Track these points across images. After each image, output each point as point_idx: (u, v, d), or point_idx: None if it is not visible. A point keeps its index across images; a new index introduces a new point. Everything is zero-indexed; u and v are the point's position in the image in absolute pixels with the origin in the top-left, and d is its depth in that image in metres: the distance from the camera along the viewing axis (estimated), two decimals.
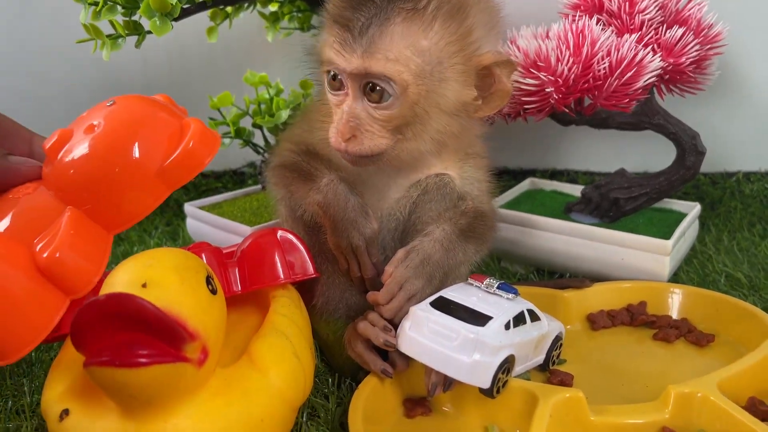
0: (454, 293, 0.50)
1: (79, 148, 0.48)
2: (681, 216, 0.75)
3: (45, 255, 0.44)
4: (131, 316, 0.36)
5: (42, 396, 0.45)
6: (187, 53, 1.00)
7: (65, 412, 0.42)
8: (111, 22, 0.65)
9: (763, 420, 0.46)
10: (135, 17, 0.66)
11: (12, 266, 0.45)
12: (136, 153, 0.48)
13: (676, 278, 0.74)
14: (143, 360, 0.37)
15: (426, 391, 0.49)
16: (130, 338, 0.37)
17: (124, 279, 0.39)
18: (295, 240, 0.54)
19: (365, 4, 0.49)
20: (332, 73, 0.52)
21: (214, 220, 0.77)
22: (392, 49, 0.49)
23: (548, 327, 0.54)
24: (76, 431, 0.41)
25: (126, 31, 0.66)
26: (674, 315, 0.64)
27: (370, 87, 0.50)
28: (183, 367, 0.39)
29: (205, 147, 0.50)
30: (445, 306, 0.49)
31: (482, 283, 0.52)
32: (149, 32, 0.66)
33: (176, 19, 0.66)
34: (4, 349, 0.45)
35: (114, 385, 0.38)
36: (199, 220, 0.80)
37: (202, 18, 0.75)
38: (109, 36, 0.66)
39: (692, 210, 0.76)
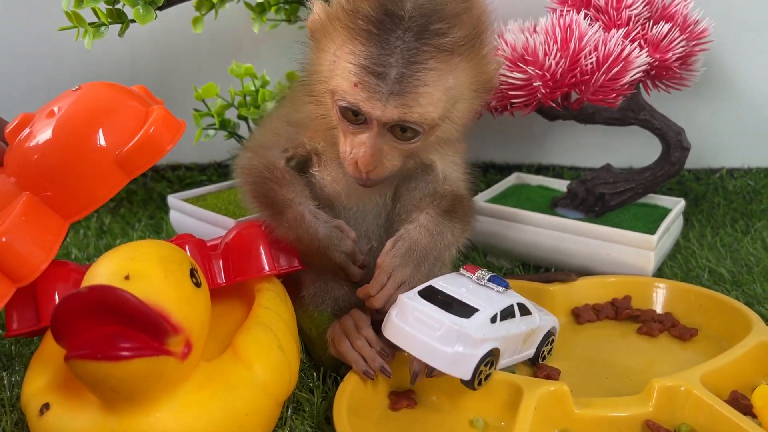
0: (444, 283, 0.50)
1: (39, 134, 0.47)
2: (665, 211, 0.76)
3: None
4: (114, 309, 0.36)
5: (22, 390, 0.44)
6: (172, 44, 0.99)
7: (46, 407, 0.41)
8: (94, 10, 0.64)
9: (745, 414, 0.46)
10: (118, 5, 0.65)
11: None
12: (99, 140, 0.47)
13: (660, 273, 0.74)
14: (125, 353, 0.36)
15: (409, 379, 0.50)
16: (112, 331, 0.36)
17: (106, 271, 0.39)
18: None
19: (391, 41, 0.47)
20: (351, 112, 0.50)
21: (198, 212, 0.77)
22: (425, 96, 0.48)
23: (540, 321, 0.54)
24: (56, 426, 0.41)
25: (109, 20, 0.65)
26: (658, 309, 0.64)
27: (400, 128, 0.50)
28: (166, 360, 0.38)
29: (167, 133, 0.49)
30: (433, 296, 0.49)
31: (474, 274, 0.52)
32: (133, 21, 0.65)
33: (160, 8, 0.65)
34: None
35: (95, 379, 0.38)
36: (183, 212, 0.79)
37: (188, 8, 0.74)
38: (91, 24, 0.65)
39: (677, 205, 0.76)
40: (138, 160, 0.48)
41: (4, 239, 0.44)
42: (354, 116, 0.50)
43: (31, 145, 0.48)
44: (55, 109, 0.48)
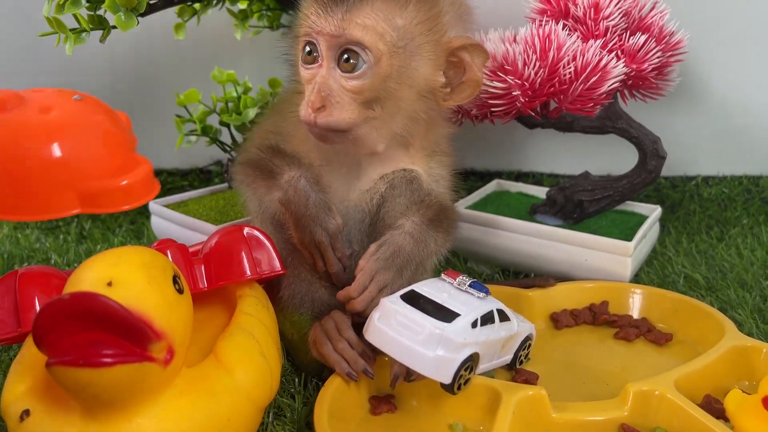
0: (425, 288, 0.51)
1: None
2: (642, 218, 0.77)
3: None
4: (96, 315, 0.36)
5: (1, 396, 0.44)
6: (154, 50, 0.99)
7: (26, 413, 0.41)
8: (75, 16, 0.64)
9: (717, 417, 0.47)
10: (100, 11, 0.65)
11: None
12: (59, 152, 0.47)
13: (637, 279, 0.75)
14: (108, 360, 0.36)
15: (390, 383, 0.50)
16: (94, 337, 0.36)
17: (88, 277, 0.39)
18: (261, 237, 0.54)
19: None
20: (308, 48, 0.53)
21: (179, 218, 0.77)
22: (370, 19, 0.50)
23: (518, 327, 0.54)
24: None
25: (90, 26, 0.65)
26: (635, 314, 0.65)
27: (345, 57, 0.51)
28: (148, 366, 0.38)
29: (141, 193, 0.49)
30: (415, 300, 0.49)
31: (455, 280, 0.53)
32: (114, 27, 0.65)
33: (142, 15, 0.65)
34: None
35: (77, 386, 0.37)
36: (165, 218, 0.79)
37: (170, 14, 0.74)
38: (72, 30, 0.65)
39: (653, 212, 0.78)
40: (101, 201, 0.48)
41: None
42: (309, 55, 0.53)
43: None
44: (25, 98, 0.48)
